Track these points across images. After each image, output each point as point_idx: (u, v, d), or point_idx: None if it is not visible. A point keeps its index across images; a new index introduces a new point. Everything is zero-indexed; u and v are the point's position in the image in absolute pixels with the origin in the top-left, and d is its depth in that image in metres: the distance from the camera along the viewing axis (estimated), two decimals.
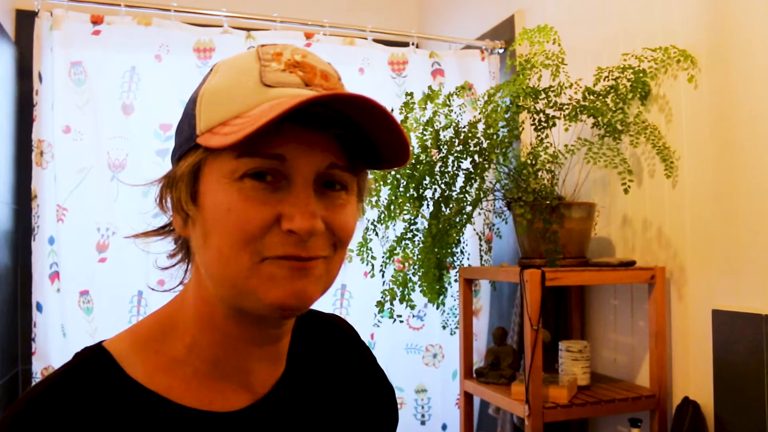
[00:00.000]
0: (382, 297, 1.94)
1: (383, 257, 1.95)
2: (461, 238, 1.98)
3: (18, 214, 2.35)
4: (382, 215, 1.90)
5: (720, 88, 1.69)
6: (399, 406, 2.39)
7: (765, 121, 1.56)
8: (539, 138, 1.89)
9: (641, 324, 1.92)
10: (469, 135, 1.85)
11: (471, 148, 1.86)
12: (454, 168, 1.87)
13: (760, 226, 1.58)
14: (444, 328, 2.22)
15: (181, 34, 2.24)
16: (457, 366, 2.20)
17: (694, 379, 1.76)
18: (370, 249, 1.94)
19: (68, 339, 2.10)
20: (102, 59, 2.17)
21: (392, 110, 1.84)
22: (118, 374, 0.63)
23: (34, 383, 2.14)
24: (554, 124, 1.89)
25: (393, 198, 1.88)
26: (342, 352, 0.82)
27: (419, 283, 1.96)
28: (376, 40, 2.47)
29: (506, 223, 2.08)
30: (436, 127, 1.85)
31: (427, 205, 1.93)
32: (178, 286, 0.71)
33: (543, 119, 1.88)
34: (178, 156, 0.65)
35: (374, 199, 1.83)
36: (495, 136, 1.86)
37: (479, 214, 2.17)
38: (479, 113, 1.89)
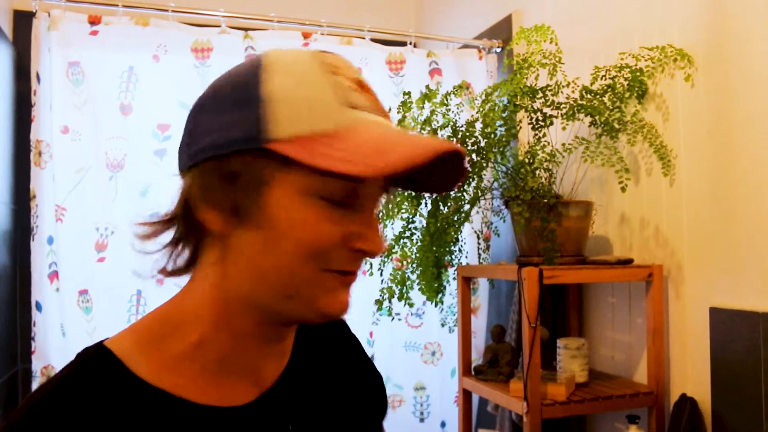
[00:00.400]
0: (380, 295, 1.94)
1: (381, 256, 1.95)
2: (459, 237, 1.98)
3: (17, 214, 2.35)
4: (380, 213, 1.90)
5: (717, 87, 1.69)
6: (398, 404, 2.41)
7: (762, 120, 1.57)
8: (537, 137, 1.90)
9: (639, 321, 1.93)
10: (467, 134, 1.86)
11: (469, 147, 1.86)
12: None
13: (757, 225, 1.58)
14: (443, 326, 2.23)
15: (179, 35, 2.25)
16: (455, 364, 2.21)
17: (692, 376, 1.77)
18: None
19: (68, 338, 2.11)
20: (100, 59, 2.18)
21: (389, 110, 1.85)
22: (124, 373, 0.63)
23: (34, 382, 2.15)
24: (551, 123, 1.89)
25: (391, 196, 1.88)
26: (336, 343, 0.84)
27: (417, 281, 1.96)
28: (373, 40, 2.47)
29: (504, 221, 2.09)
30: (433, 126, 1.86)
31: (425, 203, 1.93)
32: (183, 274, 0.70)
33: (540, 118, 1.89)
34: (228, 150, 0.61)
35: None
36: (493, 135, 1.87)
37: (477, 212, 2.18)
38: (477, 112, 1.89)
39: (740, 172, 1.63)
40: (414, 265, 1.95)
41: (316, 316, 0.64)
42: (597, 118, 1.83)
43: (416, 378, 2.46)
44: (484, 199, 2.03)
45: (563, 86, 1.90)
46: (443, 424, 2.47)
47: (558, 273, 1.70)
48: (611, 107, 1.86)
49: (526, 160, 1.86)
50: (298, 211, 0.61)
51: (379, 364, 2.32)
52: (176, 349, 0.65)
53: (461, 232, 1.95)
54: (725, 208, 1.67)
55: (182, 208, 0.65)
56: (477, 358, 2.33)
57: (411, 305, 1.94)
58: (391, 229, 1.98)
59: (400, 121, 1.84)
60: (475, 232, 2.21)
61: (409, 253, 1.95)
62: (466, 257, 2.24)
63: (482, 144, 1.87)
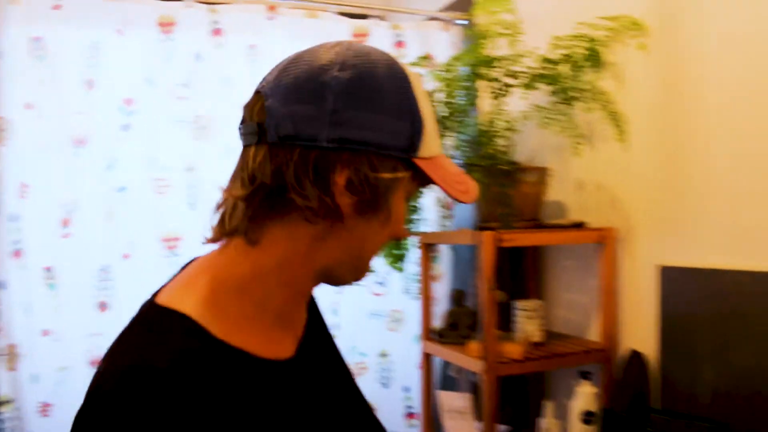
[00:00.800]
0: None
1: None
2: (419, 205, 2.03)
3: None
4: None
5: (669, 56, 1.76)
6: (363, 371, 2.45)
7: (710, 86, 1.64)
8: (496, 105, 1.95)
9: (593, 283, 2.00)
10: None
11: None
12: None
13: (704, 188, 1.66)
14: (406, 293, 2.28)
15: (144, 9, 2.24)
16: (418, 330, 2.27)
17: (641, 332, 1.84)
18: None
19: (33, 315, 2.13)
20: (63, 34, 2.16)
21: None
22: (203, 334, 0.68)
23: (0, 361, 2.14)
24: (511, 93, 1.94)
25: None
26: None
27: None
28: (339, 13, 2.49)
29: None
30: None
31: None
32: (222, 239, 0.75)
33: (500, 87, 1.94)
34: (387, 153, 0.70)
35: None
36: (453, 104, 1.92)
37: None
38: (438, 82, 1.94)
39: (690, 137, 1.70)
40: None
41: (355, 280, 0.79)
42: (555, 86, 1.89)
43: (381, 345, 2.50)
44: None
45: (523, 56, 1.95)
46: (407, 389, 2.53)
47: (514, 236, 1.76)
48: (569, 76, 1.91)
49: (486, 129, 1.91)
50: (400, 208, 0.76)
51: (345, 333, 2.37)
52: (242, 309, 0.72)
53: (419, 198, 2.00)
54: (675, 172, 1.74)
55: (296, 177, 0.68)
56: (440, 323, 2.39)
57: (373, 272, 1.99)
58: None
59: None
60: (438, 200, 2.26)
61: None
62: (429, 225, 2.30)
63: (444, 113, 1.92)
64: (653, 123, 1.81)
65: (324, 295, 0.91)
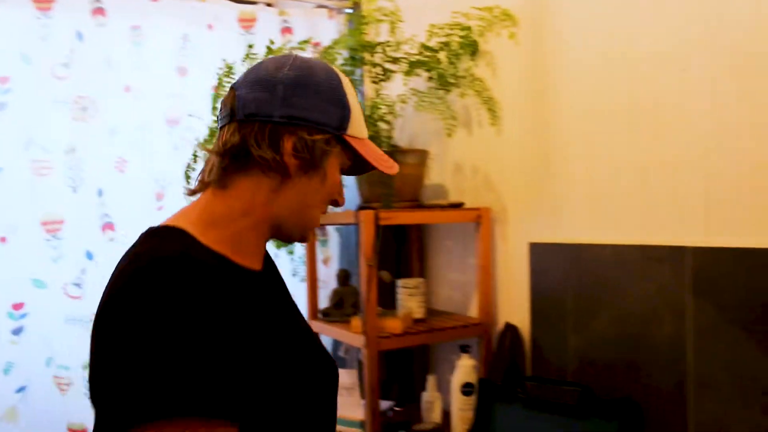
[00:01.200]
0: None
1: None
2: None
3: None
4: None
5: (536, 45, 1.87)
6: None
7: (571, 74, 1.76)
8: (377, 90, 2.01)
9: (472, 261, 2.10)
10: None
11: None
12: None
13: (568, 170, 1.78)
14: (294, 275, 2.32)
15: None
16: (305, 311, 2.30)
17: (516, 306, 1.96)
18: None
19: None
20: None
21: (234, 64, 1.90)
22: (199, 243, 0.91)
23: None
24: (391, 78, 2.01)
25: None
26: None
27: None
28: None
29: None
30: None
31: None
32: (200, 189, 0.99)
33: (380, 72, 2.00)
34: (323, 128, 0.96)
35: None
36: None
37: None
38: None
39: (556, 122, 1.81)
40: None
41: (300, 239, 1.04)
42: (434, 73, 1.97)
43: None
44: None
45: (402, 43, 2.02)
46: None
47: (392, 214, 1.83)
48: (447, 63, 2.00)
49: (367, 113, 1.97)
50: (335, 174, 1.01)
51: None
52: (218, 236, 0.94)
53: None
54: (543, 155, 1.85)
55: (255, 141, 0.93)
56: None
57: None
58: None
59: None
60: None
61: None
62: None
63: None
64: (523, 109, 1.92)
65: None
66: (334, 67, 1.01)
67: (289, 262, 2.40)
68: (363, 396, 2.03)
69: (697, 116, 1.45)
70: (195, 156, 1.87)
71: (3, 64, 2.13)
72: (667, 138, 1.52)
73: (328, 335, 2.13)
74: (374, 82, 1.99)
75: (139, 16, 2.26)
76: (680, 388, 1.48)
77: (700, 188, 1.45)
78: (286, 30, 2.52)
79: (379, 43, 1.97)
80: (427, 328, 1.92)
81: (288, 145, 0.93)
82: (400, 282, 2.02)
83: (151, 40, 2.26)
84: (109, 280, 0.86)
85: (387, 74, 1.99)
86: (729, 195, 1.40)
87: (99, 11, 2.21)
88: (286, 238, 1.03)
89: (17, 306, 2.09)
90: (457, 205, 1.99)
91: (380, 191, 1.93)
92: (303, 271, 2.32)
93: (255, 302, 0.95)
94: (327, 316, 2.09)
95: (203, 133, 1.92)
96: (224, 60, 1.90)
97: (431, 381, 2.02)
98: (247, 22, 2.46)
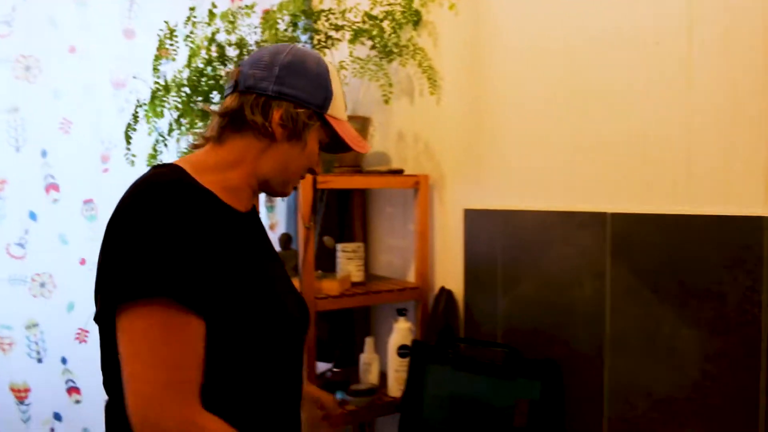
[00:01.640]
0: None
1: None
2: None
3: None
4: (172, 127, 1.97)
5: (475, 16, 1.91)
6: None
7: (510, 46, 1.80)
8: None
9: (411, 228, 2.16)
10: (253, 52, 1.96)
11: None
12: None
13: (501, 139, 1.84)
14: None
15: None
16: None
17: (451, 271, 2.02)
18: (161, 161, 2.01)
19: None
20: None
21: (177, 25, 1.91)
22: (195, 182, 1.07)
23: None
24: (336, 45, 2.04)
25: (183, 112, 1.95)
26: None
27: None
28: None
29: None
30: (220, 41, 1.93)
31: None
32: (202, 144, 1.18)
33: (323, 39, 2.02)
34: (307, 105, 1.15)
35: (161, 108, 1.89)
36: None
37: None
38: (262, 30, 1.99)
39: (492, 93, 1.86)
40: None
41: (282, 194, 1.22)
42: (377, 41, 2.00)
43: None
44: None
45: (347, 11, 2.04)
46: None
47: (330, 178, 1.87)
48: (390, 32, 2.03)
49: None
50: (314, 146, 1.19)
51: None
52: (219, 177, 1.11)
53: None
54: (478, 124, 1.91)
55: (250, 109, 1.12)
56: None
57: None
58: (183, 142, 2.04)
59: (186, 37, 1.90)
60: None
61: None
62: None
63: None
64: (461, 78, 1.97)
65: None
66: (325, 59, 1.21)
67: None
68: None
69: (616, 91, 1.52)
70: (135, 117, 1.88)
71: None
72: (592, 112, 1.58)
73: None
74: (317, 49, 2.01)
75: None
76: (599, 348, 1.56)
77: (620, 158, 1.52)
78: None
79: (323, 11, 1.99)
80: (365, 291, 1.97)
81: (276, 115, 1.12)
82: (339, 246, 2.07)
83: (97, 1, 2.25)
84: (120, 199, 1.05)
85: (331, 41, 2.02)
86: (644, 165, 1.47)
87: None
88: (269, 192, 1.21)
89: None
90: (397, 172, 2.03)
91: (322, 157, 1.96)
92: None
93: (236, 232, 1.11)
94: None
95: (146, 95, 1.92)
96: (166, 22, 1.91)
97: (369, 343, 2.08)
98: None
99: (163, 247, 0.96)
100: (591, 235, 1.57)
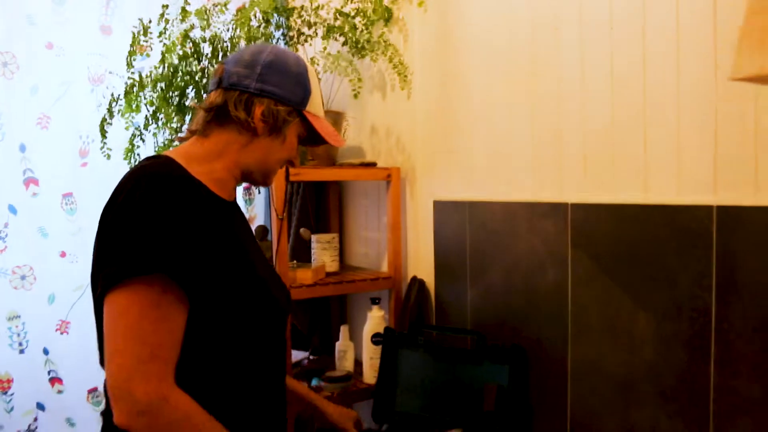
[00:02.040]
0: None
1: None
2: None
3: None
4: (149, 122, 2.00)
5: (444, 13, 1.96)
6: None
7: (477, 41, 1.85)
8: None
9: (385, 220, 2.21)
10: (227, 48, 2.00)
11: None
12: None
13: (467, 131, 1.89)
14: None
15: None
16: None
17: (422, 261, 2.08)
18: (138, 155, 2.05)
19: None
20: None
21: (151, 22, 1.94)
22: (185, 171, 1.14)
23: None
24: (307, 41, 2.08)
25: (159, 106, 1.99)
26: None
27: None
28: None
29: None
30: (194, 38, 1.97)
31: (192, 114, 2.06)
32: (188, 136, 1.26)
33: (296, 36, 2.07)
34: (287, 101, 1.22)
35: (136, 104, 1.93)
36: None
37: None
38: (236, 26, 2.03)
39: (459, 88, 1.92)
40: None
41: (264, 184, 1.30)
42: (348, 37, 2.04)
43: None
44: None
45: (319, 8, 2.09)
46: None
47: (302, 171, 1.93)
48: (361, 29, 2.08)
49: None
50: (293, 141, 1.27)
51: None
52: (205, 168, 1.18)
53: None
54: (447, 119, 1.96)
55: (234, 105, 1.19)
56: None
57: None
58: (162, 136, 2.08)
59: (161, 33, 1.94)
60: None
61: None
62: None
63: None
64: (430, 74, 2.02)
65: None
66: (303, 59, 1.29)
67: None
68: None
69: (575, 87, 1.57)
70: (110, 111, 1.92)
71: None
72: (553, 106, 1.64)
73: None
74: (290, 45, 2.06)
75: None
76: (562, 333, 1.62)
77: (580, 150, 1.57)
78: None
79: (295, 8, 2.03)
80: (338, 281, 2.02)
81: (258, 111, 1.20)
82: (314, 237, 2.12)
83: None
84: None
85: (303, 38, 2.06)
86: (602, 157, 1.53)
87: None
88: (251, 181, 1.29)
89: None
90: (370, 165, 2.09)
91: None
92: None
93: (223, 219, 1.18)
94: None
95: (120, 90, 1.96)
96: (140, 19, 1.94)
97: (344, 331, 2.14)
98: None
99: (157, 229, 1.02)
100: (553, 224, 1.63)
